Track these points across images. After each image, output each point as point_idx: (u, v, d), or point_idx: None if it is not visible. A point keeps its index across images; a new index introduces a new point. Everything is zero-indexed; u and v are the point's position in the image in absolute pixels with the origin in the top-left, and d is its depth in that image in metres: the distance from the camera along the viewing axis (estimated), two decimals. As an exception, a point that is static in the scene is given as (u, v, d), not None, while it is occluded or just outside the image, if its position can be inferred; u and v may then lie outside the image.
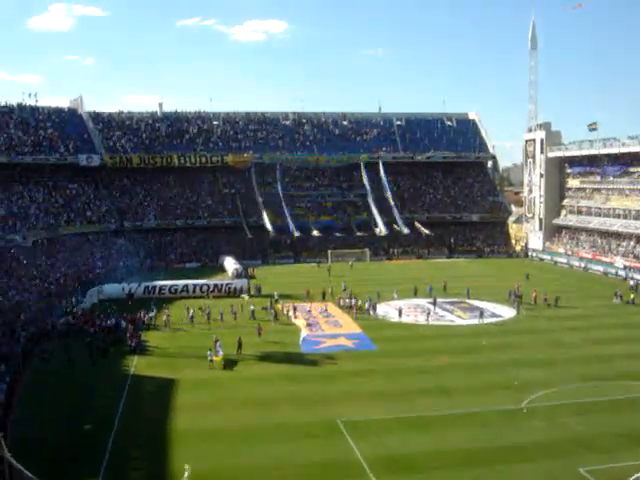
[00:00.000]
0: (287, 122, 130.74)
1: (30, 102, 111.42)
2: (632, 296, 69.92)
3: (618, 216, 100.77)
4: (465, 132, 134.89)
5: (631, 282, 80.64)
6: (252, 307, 62.26)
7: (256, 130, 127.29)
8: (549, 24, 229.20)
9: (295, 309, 62.87)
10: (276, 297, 67.57)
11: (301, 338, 53.51)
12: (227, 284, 74.99)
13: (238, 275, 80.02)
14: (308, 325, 57.79)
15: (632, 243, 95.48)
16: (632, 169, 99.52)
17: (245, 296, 70.03)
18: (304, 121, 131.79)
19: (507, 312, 64.70)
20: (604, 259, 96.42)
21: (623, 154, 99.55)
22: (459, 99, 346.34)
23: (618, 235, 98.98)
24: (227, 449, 30.66)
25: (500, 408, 36.29)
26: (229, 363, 45.34)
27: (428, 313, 62.07)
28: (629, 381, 41.44)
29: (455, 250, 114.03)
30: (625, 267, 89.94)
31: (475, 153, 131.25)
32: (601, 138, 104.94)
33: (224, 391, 39.76)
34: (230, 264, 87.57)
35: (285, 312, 63.04)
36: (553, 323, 59.69)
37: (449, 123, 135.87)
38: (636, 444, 30.57)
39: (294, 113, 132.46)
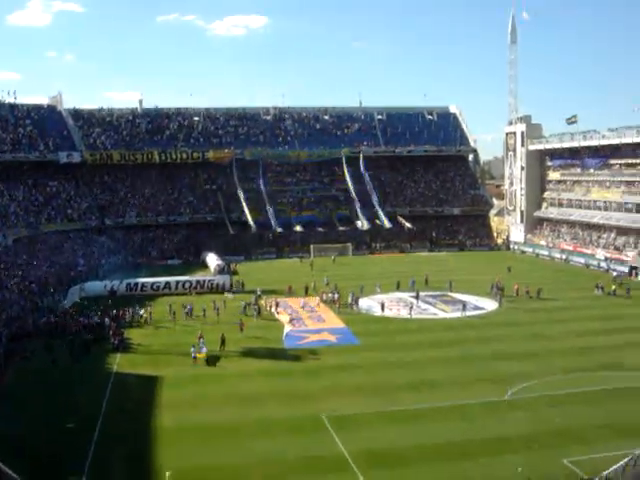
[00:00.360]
0: (268, 117, 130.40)
1: (9, 99, 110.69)
2: (613, 287, 70.38)
3: (599, 208, 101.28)
4: (446, 126, 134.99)
5: (614, 273, 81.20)
6: (243, 303, 62.19)
7: (237, 126, 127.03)
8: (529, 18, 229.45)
9: (278, 304, 62.85)
10: (259, 293, 67.43)
11: (284, 333, 53.48)
12: (209, 280, 74.82)
13: (220, 271, 79.84)
14: (291, 320, 57.75)
15: (613, 235, 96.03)
16: (612, 161, 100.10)
17: (229, 295, 69.79)
18: (285, 116, 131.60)
19: (489, 305, 64.98)
20: (585, 251, 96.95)
21: (603, 146, 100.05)
22: (440, 93, 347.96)
23: (599, 227, 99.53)
24: (211, 446, 30.59)
25: (483, 400, 36.47)
26: (212, 359, 45.28)
27: (411, 307, 62.19)
28: (610, 372, 41.73)
29: (437, 244, 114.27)
30: (606, 259, 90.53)
31: (456, 147, 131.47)
32: (581, 131, 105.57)
33: (208, 388, 39.68)
34: (212, 260, 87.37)
35: (268, 308, 62.98)
36: (535, 315, 60.00)
37: (430, 117, 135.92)
38: (617, 435, 30.78)
39: (275, 108, 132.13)
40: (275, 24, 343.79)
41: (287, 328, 55.22)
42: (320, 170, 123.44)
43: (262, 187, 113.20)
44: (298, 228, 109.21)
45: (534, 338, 51.30)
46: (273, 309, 62.13)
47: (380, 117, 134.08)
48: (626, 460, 5.25)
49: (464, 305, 62.27)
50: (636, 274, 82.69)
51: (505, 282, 70.95)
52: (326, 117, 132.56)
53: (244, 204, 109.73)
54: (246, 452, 29.74)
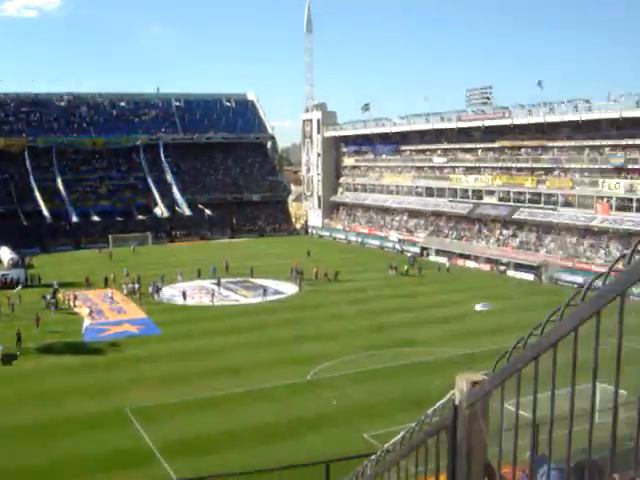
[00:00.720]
0: (62, 103, 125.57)
1: None
2: (406, 267, 73.98)
3: (391, 192, 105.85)
4: (244, 113, 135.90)
5: (409, 254, 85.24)
6: (47, 296, 59.71)
7: (29, 112, 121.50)
8: (326, 6, 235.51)
9: (76, 298, 61.11)
10: (56, 286, 65.06)
11: (84, 327, 52.22)
12: (3, 275, 71.48)
13: (14, 265, 76.38)
14: (91, 313, 56.37)
15: (405, 217, 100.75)
16: (403, 147, 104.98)
17: (18, 288, 67.08)
18: (80, 102, 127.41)
19: (290, 289, 66.47)
20: (379, 233, 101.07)
21: (395, 133, 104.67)
22: (239, 80, 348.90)
23: (392, 210, 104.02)
24: (11, 449, 29.48)
25: (287, 382, 37.47)
26: (8, 358, 43.45)
27: (212, 294, 62.44)
28: (404, 348, 44.11)
29: (238, 230, 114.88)
30: (399, 240, 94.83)
31: (254, 133, 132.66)
32: (374, 118, 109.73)
33: (5, 388, 38.04)
34: (5, 254, 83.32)
35: (66, 301, 61.13)
36: (334, 297, 61.99)
37: (228, 104, 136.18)
38: (411, 406, 32.40)
39: (69, 94, 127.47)
40: (69, 6, 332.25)
41: (87, 321, 53.92)
42: (117, 158, 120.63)
43: (57, 176, 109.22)
44: (96, 218, 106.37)
45: (334, 319, 53.11)
46: (72, 302, 60.38)
47: (178, 104, 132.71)
48: (403, 433, 5.70)
49: (265, 290, 63.39)
50: (427, 254, 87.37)
51: (304, 266, 72.62)
52: (122, 104, 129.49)
53: (38, 194, 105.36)
54: (49, 452, 28.89)
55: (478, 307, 55.97)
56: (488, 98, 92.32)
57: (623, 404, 2.90)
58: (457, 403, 4.13)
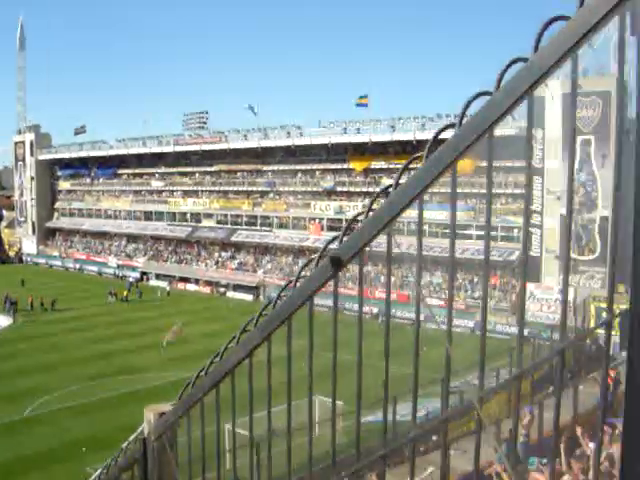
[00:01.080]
0: None
1: None
2: (125, 293, 73.28)
3: (109, 217, 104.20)
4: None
5: (130, 279, 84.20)
6: None
7: None
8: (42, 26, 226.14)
9: None
10: None
11: None
12: None
13: None
14: None
15: (123, 242, 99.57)
16: (121, 171, 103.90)
17: None
18: None
19: (3, 321, 63.35)
20: (98, 259, 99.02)
21: (112, 157, 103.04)
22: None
23: (111, 235, 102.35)
24: None
25: (3, 421, 35.75)
26: None
27: None
28: (127, 375, 43.77)
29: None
30: (118, 266, 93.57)
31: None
32: (90, 141, 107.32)
33: None
34: None
35: None
36: (52, 327, 59.87)
37: None
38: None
39: None
40: None
41: None
42: None
43: None
44: None
45: (52, 350, 51.30)
46: None
47: None
48: (100, 469, 5.78)
49: (-25, 323, 60.11)
50: (147, 279, 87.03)
51: (18, 295, 69.36)
52: None
53: None
54: None
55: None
56: (205, 122, 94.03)
57: (341, 414, 3.22)
58: (146, 435, 4.23)
